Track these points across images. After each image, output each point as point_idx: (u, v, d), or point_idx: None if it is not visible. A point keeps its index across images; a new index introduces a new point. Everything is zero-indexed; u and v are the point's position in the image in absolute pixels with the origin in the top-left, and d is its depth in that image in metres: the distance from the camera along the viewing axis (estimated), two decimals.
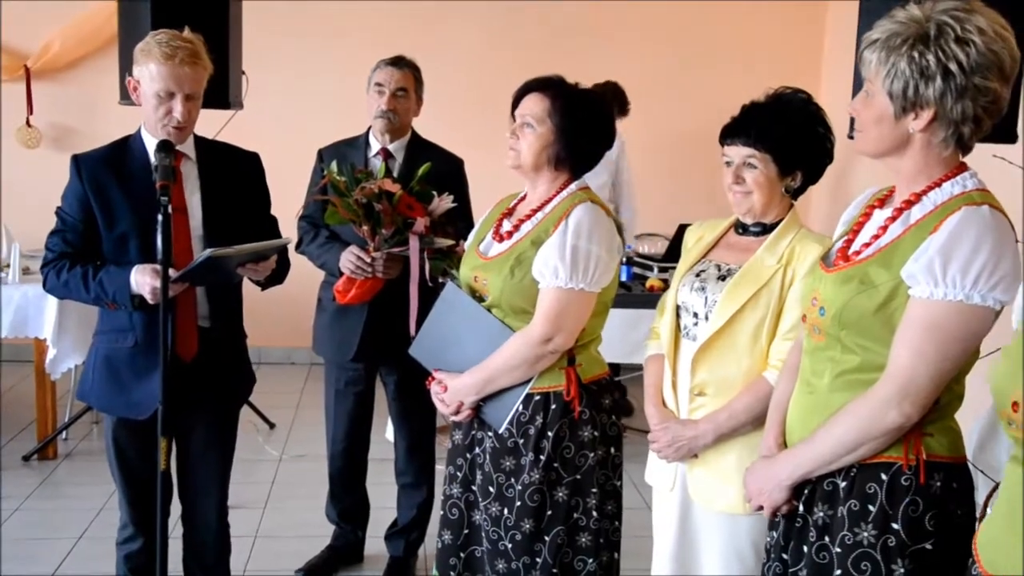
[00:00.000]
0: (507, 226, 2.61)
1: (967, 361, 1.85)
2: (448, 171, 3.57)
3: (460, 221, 3.38)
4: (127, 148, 2.75)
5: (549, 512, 2.47)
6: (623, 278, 5.10)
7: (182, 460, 2.93)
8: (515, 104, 2.56)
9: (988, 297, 1.76)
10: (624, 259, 5.24)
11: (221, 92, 3.71)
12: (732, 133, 2.42)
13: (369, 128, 3.66)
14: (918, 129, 1.83)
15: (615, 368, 4.50)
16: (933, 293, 1.77)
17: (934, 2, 1.81)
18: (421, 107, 3.72)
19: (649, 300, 4.67)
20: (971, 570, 1.61)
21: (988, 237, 1.75)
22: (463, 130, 5.58)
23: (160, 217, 2.44)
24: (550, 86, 2.53)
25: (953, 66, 1.75)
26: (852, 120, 1.98)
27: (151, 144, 2.68)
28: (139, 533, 2.88)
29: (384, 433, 4.77)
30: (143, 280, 2.57)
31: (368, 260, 3.34)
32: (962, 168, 1.87)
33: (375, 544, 3.90)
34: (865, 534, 1.85)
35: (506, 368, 2.47)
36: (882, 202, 2.00)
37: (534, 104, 2.51)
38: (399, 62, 3.63)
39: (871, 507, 1.86)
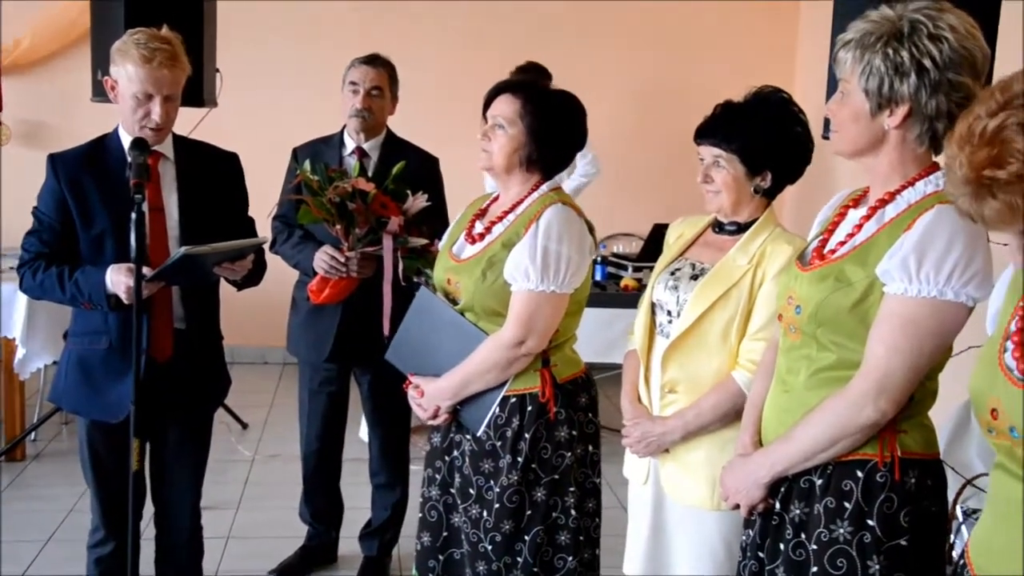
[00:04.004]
0: (479, 228, 2.61)
1: (941, 358, 1.87)
2: (423, 170, 3.56)
3: (435, 220, 3.37)
4: (104, 147, 2.73)
5: (528, 512, 2.48)
6: (598, 277, 5.12)
7: (156, 462, 2.91)
8: (486, 105, 2.56)
9: (961, 293, 1.78)
10: (599, 259, 5.26)
11: (195, 90, 3.69)
12: (703, 133, 2.44)
13: (344, 127, 3.64)
14: (893, 125, 1.85)
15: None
16: (908, 290, 1.79)
17: (906, 3, 1.83)
18: (396, 106, 3.71)
19: (623, 300, 4.70)
20: (963, 574, 1.62)
21: (961, 234, 1.77)
22: (438, 129, 5.57)
23: (134, 215, 2.41)
24: (521, 88, 2.54)
25: (927, 62, 1.78)
26: (826, 121, 2.00)
27: (128, 143, 2.65)
28: (110, 536, 2.85)
29: (358, 433, 4.76)
30: (118, 279, 2.55)
31: (342, 259, 3.32)
32: (935, 167, 1.89)
33: (349, 544, 3.88)
34: (841, 531, 1.87)
35: (480, 372, 2.47)
36: (856, 202, 2.02)
37: (505, 105, 2.51)
38: (374, 61, 3.62)
39: (847, 504, 1.87)
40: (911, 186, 1.88)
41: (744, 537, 2.12)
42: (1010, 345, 1.51)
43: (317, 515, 3.83)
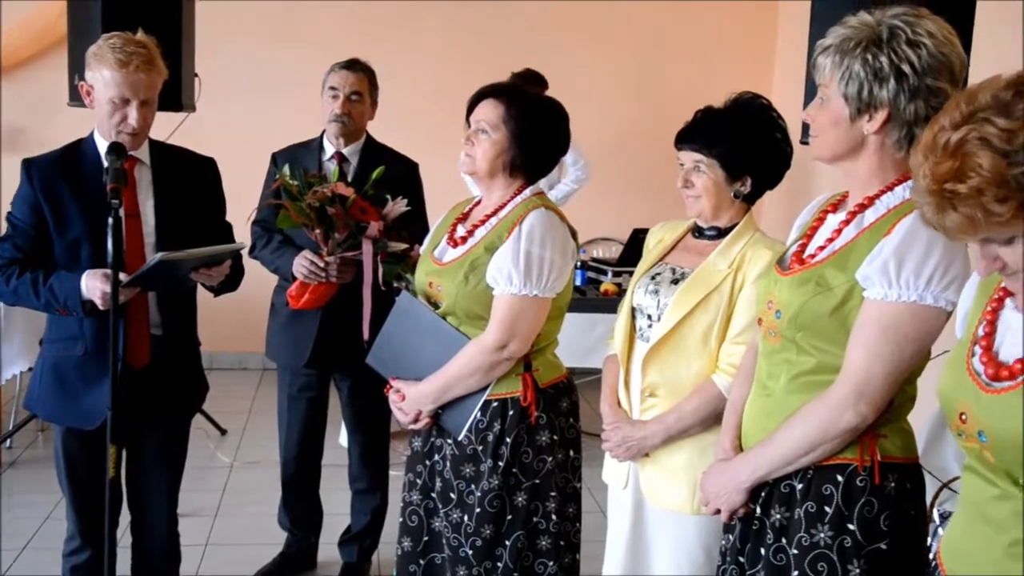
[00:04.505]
0: (461, 231, 2.61)
1: (920, 362, 1.88)
2: (402, 175, 3.56)
3: (414, 225, 3.37)
4: (79, 152, 2.71)
5: (509, 517, 2.48)
6: (578, 282, 5.12)
7: (132, 469, 2.88)
8: (469, 110, 2.56)
9: (940, 298, 1.79)
10: (579, 263, 5.27)
11: (173, 94, 3.66)
12: (684, 138, 2.44)
13: (323, 132, 3.64)
14: (872, 130, 1.86)
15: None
16: (888, 295, 1.80)
17: (883, 9, 1.84)
18: (376, 110, 3.70)
19: (603, 304, 4.70)
20: (934, 575, 1.63)
21: (940, 239, 1.78)
22: (418, 134, 5.57)
23: (111, 220, 2.39)
24: (504, 93, 2.54)
25: (906, 67, 1.79)
26: (805, 126, 2.01)
27: (104, 148, 2.63)
28: (87, 544, 2.82)
29: (338, 439, 4.74)
30: (93, 285, 2.52)
31: (321, 264, 3.31)
32: None
33: (328, 550, 3.86)
34: (822, 535, 1.87)
35: (462, 376, 2.47)
36: (835, 207, 2.03)
37: (489, 110, 2.51)
38: (353, 65, 3.62)
39: (827, 508, 1.88)
40: (890, 191, 1.89)
41: (724, 542, 2.12)
42: (978, 349, 1.52)
43: (296, 521, 3.81)
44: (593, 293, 5.04)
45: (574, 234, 2.58)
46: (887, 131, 1.85)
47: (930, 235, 1.78)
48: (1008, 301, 1.54)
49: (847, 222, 1.92)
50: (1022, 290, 1.45)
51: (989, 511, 1.50)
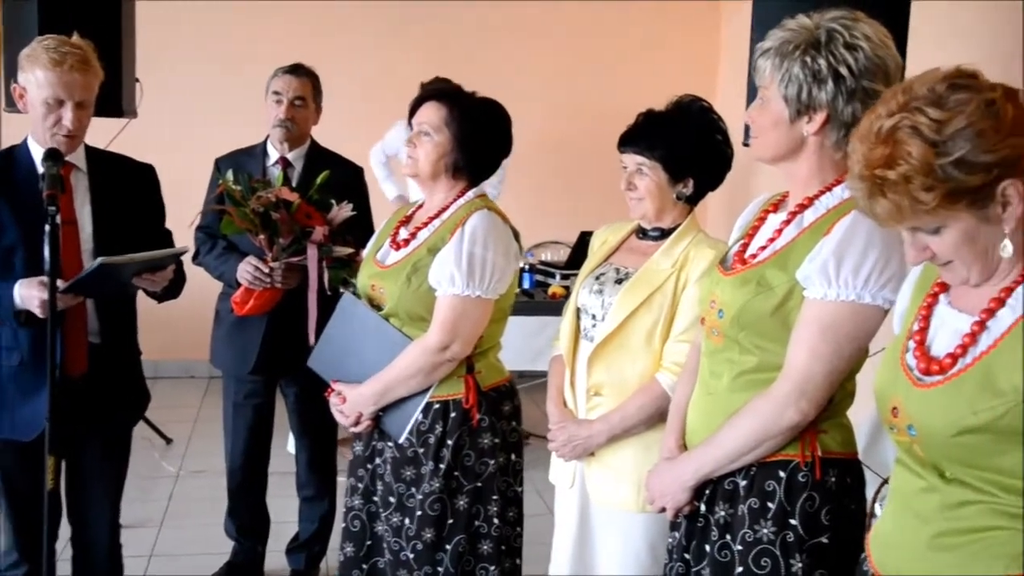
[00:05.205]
0: (404, 234, 2.61)
1: (858, 360, 1.91)
2: (348, 180, 3.55)
3: (360, 230, 3.35)
4: (12, 159, 2.65)
5: (450, 521, 2.48)
6: (526, 286, 5.14)
7: (72, 480, 2.83)
8: (412, 113, 2.56)
9: (878, 296, 1.83)
10: (527, 267, 5.29)
11: (114, 100, 3.61)
12: (626, 141, 2.47)
13: (267, 137, 3.61)
14: (812, 132, 1.89)
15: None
16: (827, 294, 1.83)
17: (821, 12, 1.87)
18: (320, 115, 3.68)
19: (551, 307, 4.71)
20: (862, 566, 1.66)
21: (877, 239, 1.82)
22: (363, 138, 5.54)
23: (47, 228, 2.35)
24: (447, 95, 2.55)
25: (843, 70, 1.83)
26: (747, 127, 2.04)
27: (38, 154, 2.58)
28: (24, 559, 2.77)
29: (285, 446, 4.70)
30: (29, 294, 2.47)
31: (266, 270, 3.29)
32: None
33: (276, 559, 3.82)
34: (765, 531, 1.90)
35: (404, 377, 2.47)
36: (776, 206, 2.06)
37: (431, 113, 2.51)
38: (297, 70, 3.60)
39: (770, 504, 1.90)
40: (829, 191, 1.92)
41: (670, 539, 2.14)
42: (912, 344, 1.56)
43: (243, 530, 3.76)
44: (541, 296, 5.06)
45: (517, 236, 2.59)
46: (826, 132, 1.88)
47: (868, 235, 1.82)
48: (942, 297, 1.58)
49: (787, 222, 1.95)
50: (963, 274, 1.48)
51: (916, 504, 1.53)
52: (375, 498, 2.57)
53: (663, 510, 2.08)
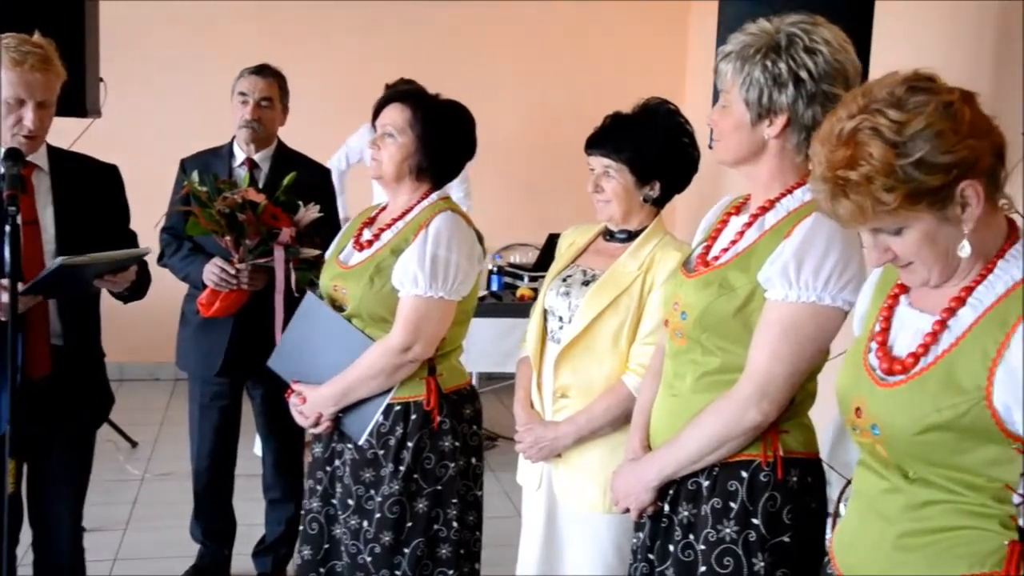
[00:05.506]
0: (367, 235, 2.60)
1: (819, 361, 1.93)
2: (315, 181, 3.54)
3: (327, 231, 3.34)
4: None
5: (409, 524, 2.47)
6: (494, 288, 5.14)
7: (34, 484, 2.80)
8: (376, 114, 2.56)
9: (838, 298, 1.85)
10: (495, 268, 5.29)
11: (77, 100, 3.58)
12: (593, 143, 2.48)
13: (233, 138, 3.59)
14: (773, 135, 1.91)
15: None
16: (788, 295, 1.85)
17: (782, 16, 1.89)
18: (287, 116, 3.67)
19: (520, 309, 4.73)
20: (826, 569, 1.68)
21: (837, 241, 1.84)
22: (331, 140, 5.53)
23: (8, 228, 2.32)
24: (411, 97, 2.55)
25: (803, 73, 1.85)
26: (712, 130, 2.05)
27: None
28: None
29: (251, 448, 4.67)
30: None
31: (232, 272, 3.27)
32: None
33: (242, 561, 3.80)
34: (728, 530, 1.91)
35: (365, 378, 2.46)
36: (738, 209, 2.08)
37: (395, 114, 2.51)
38: (263, 71, 3.58)
39: (733, 504, 1.92)
40: (790, 194, 1.94)
41: (634, 540, 2.15)
42: (874, 345, 1.58)
43: (209, 533, 3.74)
44: (510, 298, 5.06)
45: (480, 239, 2.59)
46: (787, 136, 1.90)
47: (828, 237, 1.84)
48: (903, 298, 1.60)
49: (749, 224, 1.97)
50: (923, 276, 1.50)
51: (880, 505, 1.55)
52: (333, 500, 2.56)
53: (627, 510, 2.09)
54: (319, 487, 2.60)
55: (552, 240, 5.13)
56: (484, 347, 4.72)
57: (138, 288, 2.76)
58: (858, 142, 1.42)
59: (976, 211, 1.43)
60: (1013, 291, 1.45)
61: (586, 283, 2.46)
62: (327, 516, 2.58)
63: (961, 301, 1.48)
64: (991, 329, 1.43)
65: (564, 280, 2.51)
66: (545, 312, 2.53)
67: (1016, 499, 1.45)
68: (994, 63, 3.75)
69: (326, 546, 2.57)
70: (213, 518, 3.73)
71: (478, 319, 4.75)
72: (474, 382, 4.86)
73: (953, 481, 1.46)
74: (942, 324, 1.49)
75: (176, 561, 3.78)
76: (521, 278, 5.23)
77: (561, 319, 2.47)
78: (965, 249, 1.45)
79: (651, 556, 2.06)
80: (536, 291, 5.00)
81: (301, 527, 2.63)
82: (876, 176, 1.40)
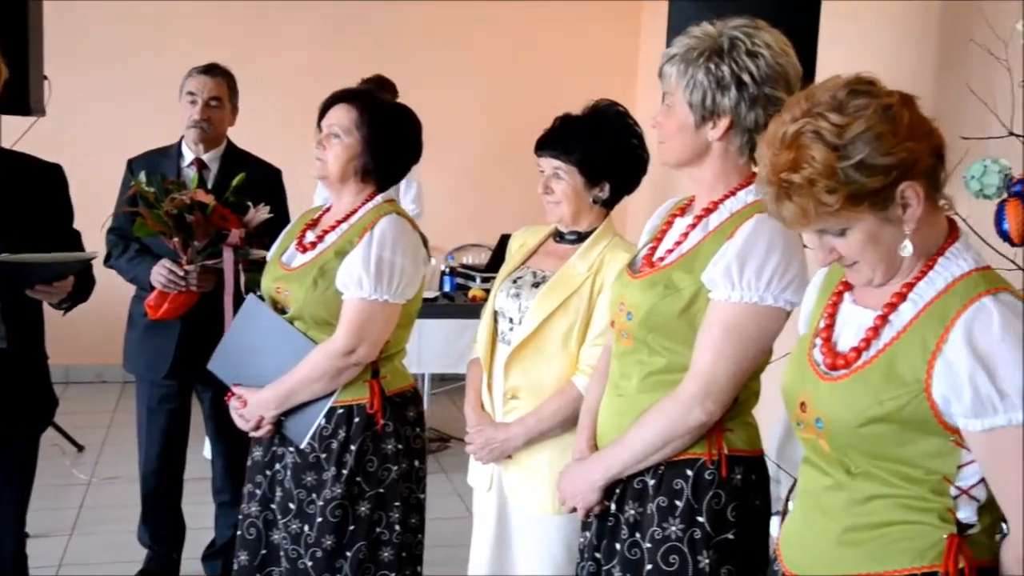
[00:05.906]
0: (311, 237, 2.59)
1: (762, 360, 1.96)
2: (265, 182, 3.52)
3: (278, 232, 3.32)
4: None
5: (351, 527, 2.46)
6: (446, 289, 5.14)
7: None
8: (322, 115, 2.55)
9: (780, 298, 1.88)
10: (447, 269, 5.29)
11: (20, 98, 3.52)
12: (543, 145, 2.49)
13: (182, 138, 3.56)
14: (716, 138, 1.93)
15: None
16: (731, 296, 1.87)
17: (724, 20, 1.92)
18: (236, 116, 3.64)
19: (472, 310, 4.72)
20: (772, 566, 1.71)
21: (779, 243, 1.87)
22: (282, 140, 5.48)
23: None
24: (358, 97, 2.54)
25: (746, 77, 1.88)
26: None
27: None
28: None
29: (202, 451, 4.63)
30: None
31: (181, 273, 3.24)
32: (754, 178, 1.98)
33: (191, 566, 3.76)
34: (673, 528, 1.93)
35: (307, 381, 2.45)
36: (683, 211, 2.10)
37: (342, 115, 2.50)
38: (212, 70, 3.55)
39: (678, 502, 1.94)
40: (733, 196, 1.97)
41: (582, 539, 2.16)
42: (819, 341, 1.61)
43: (157, 537, 3.70)
44: (462, 299, 5.06)
45: (425, 242, 2.59)
46: (730, 138, 1.93)
47: (770, 238, 1.87)
48: (847, 296, 1.64)
49: (693, 226, 1.99)
50: (867, 275, 1.54)
51: (824, 501, 1.58)
52: (272, 505, 2.54)
53: (574, 510, 2.10)
54: (258, 491, 2.57)
55: (504, 241, 5.13)
56: (436, 348, 4.72)
57: (81, 292, 2.70)
58: (800, 145, 1.45)
59: (917, 212, 1.47)
60: (952, 287, 1.49)
61: (536, 284, 2.47)
62: (265, 521, 2.55)
63: (902, 297, 1.52)
64: (931, 323, 1.47)
65: (514, 282, 2.52)
66: (495, 313, 2.53)
67: (953, 491, 1.49)
68: (938, 64, 3.82)
69: (263, 552, 2.55)
70: (161, 522, 3.69)
71: (430, 320, 4.78)
72: (426, 383, 4.87)
73: (894, 474, 1.50)
74: (883, 319, 1.53)
75: (123, 566, 3.74)
76: (473, 279, 5.23)
77: (511, 320, 2.48)
78: (907, 249, 1.49)
79: (598, 555, 2.07)
80: (488, 292, 5.03)
81: (239, 532, 2.60)
82: (818, 178, 1.43)
